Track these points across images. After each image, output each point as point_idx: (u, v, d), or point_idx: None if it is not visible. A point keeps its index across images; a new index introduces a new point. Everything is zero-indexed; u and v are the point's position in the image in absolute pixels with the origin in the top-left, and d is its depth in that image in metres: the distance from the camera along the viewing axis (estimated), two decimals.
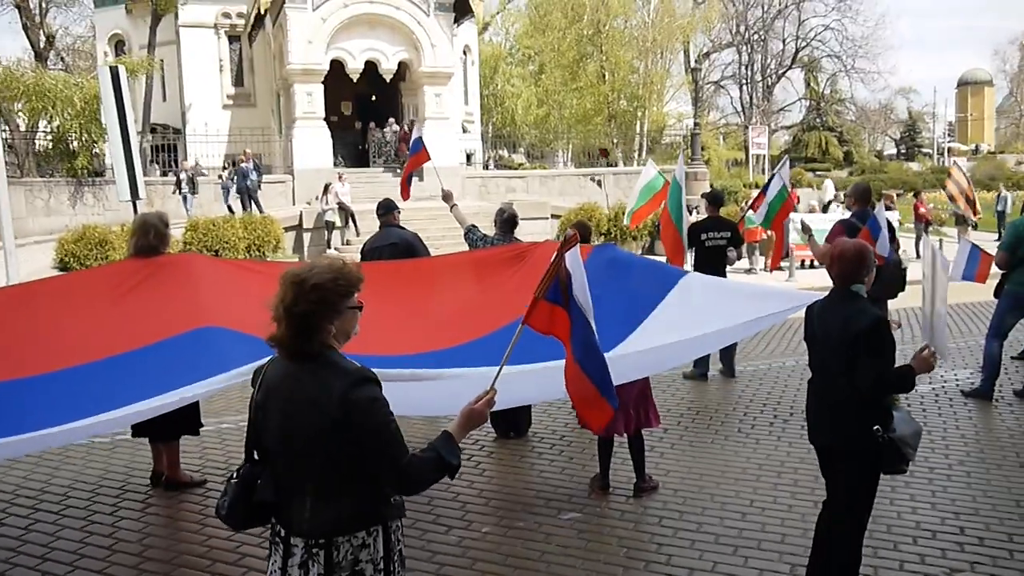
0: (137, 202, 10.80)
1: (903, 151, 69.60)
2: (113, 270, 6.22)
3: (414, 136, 8.42)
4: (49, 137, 23.18)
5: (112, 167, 22.18)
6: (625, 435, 5.26)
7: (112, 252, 16.30)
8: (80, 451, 6.37)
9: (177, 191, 21.05)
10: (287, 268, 2.64)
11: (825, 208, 23.71)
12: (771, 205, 8.35)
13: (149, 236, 5.08)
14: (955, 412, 7.13)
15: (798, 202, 22.79)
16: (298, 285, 2.45)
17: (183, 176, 21.23)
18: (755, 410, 7.29)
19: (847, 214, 8.32)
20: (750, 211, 9.35)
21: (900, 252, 8.11)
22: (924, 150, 66.90)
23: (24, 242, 15.76)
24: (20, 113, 23.33)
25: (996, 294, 7.67)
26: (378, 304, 3.49)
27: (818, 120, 60.01)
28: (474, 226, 6.93)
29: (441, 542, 4.68)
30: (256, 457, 2.59)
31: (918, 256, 18.50)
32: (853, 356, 3.65)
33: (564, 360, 2.96)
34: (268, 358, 2.63)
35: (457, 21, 26.47)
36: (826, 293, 3.95)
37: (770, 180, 8.93)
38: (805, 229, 7.58)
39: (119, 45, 33.32)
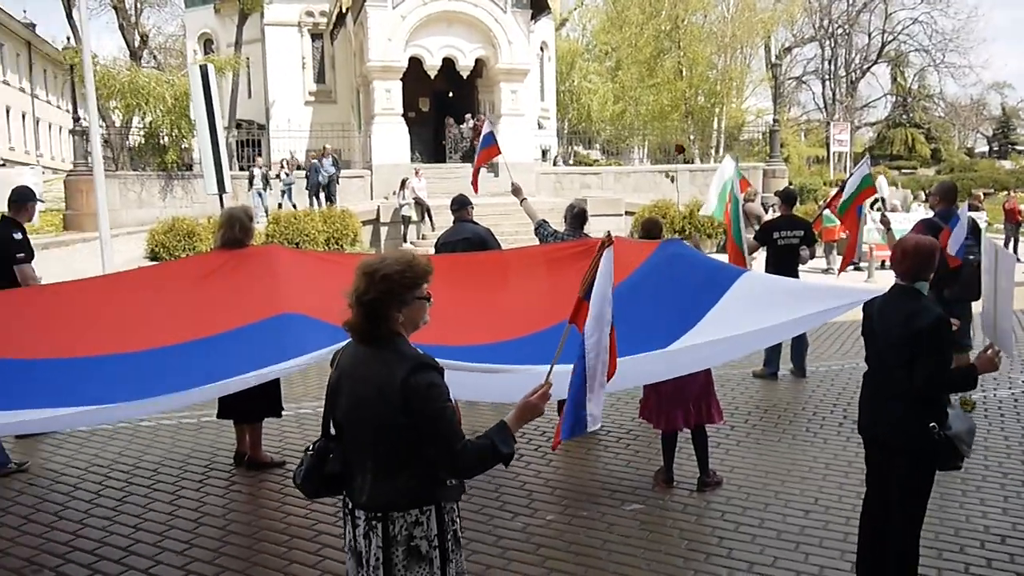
0: (224, 196, 11.32)
1: (995, 149, 66.89)
2: (200, 260, 6.56)
3: (485, 130, 8.56)
4: (142, 132, 24.22)
5: (200, 162, 23.06)
6: (688, 430, 5.33)
7: (199, 243, 16.99)
8: (169, 430, 6.76)
9: (250, 188, 21.25)
10: (363, 259, 2.81)
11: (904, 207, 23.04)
12: (844, 201, 8.23)
13: (235, 229, 5.36)
14: None
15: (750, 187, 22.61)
16: (369, 275, 2.62)
17: (257, 173, 21.56)
18: (824, 410, 7.24)
19: (930, 213, 8.16)
20: (827, 210, 9.24)
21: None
22: (1018, 148, 64.14)
23: (117, 233, 16.55)
24: (116, 110, 24.43)
25: None
26: (446, 295, 3.66)
27: (904, 116, 58.18)
28: (545, 221, 7.05)
29: (506, 527, 4.84)
30: (331, 432, 2.78)
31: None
32: (914, 353, 3.65)
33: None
34: (346, 341, 2.81)
35: (534, 18, 26.63)
36: (886, 290, 3.96)
37: (849, 177, 8.82)
38: (884, 223, 7.48)
39: (208, 43, 34.54)
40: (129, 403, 3.77)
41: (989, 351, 3.74)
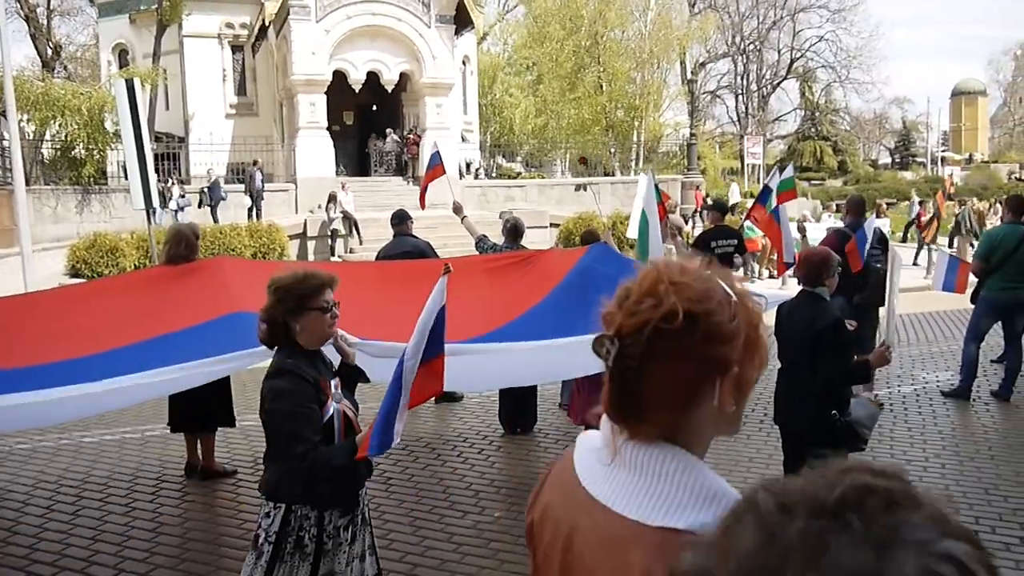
0: (151, 211, 11.26)
1: (897, 160, 70.29)
2: (146, 274, 6.61)
3: (432, 151, 8.88)
4: (57, 146, 23.60)
5: (120, 175, 22.50)
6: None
7: (123, 259, 16.71)
8: (113, 446, 6.81)
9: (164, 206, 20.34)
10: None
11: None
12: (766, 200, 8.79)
13: (181, 246, 5.51)
14: (934, 411, 7.59)
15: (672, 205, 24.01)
16: (268, 289, 2.88)
17: (174, 190, 20.90)
18: (747, 408, 7.71)
19: (839, 223, 8.78)
20: (747, 221, 9.82)
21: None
22: (918, 159, 67.53)
23: (33, 249, 16.16)
24: (29, 122, 23.74)
25: (973, 300, 8.13)
26: (389, 299, 3.94)
27: (813, 130, 60.64)
28: (484, 236, 7.37)
29: (458, 525, 5.11)
30: None
31: (915, 264, 19.05)
32: (816, 351, 4.12)
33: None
34: None
35: (458, 32, 26.97)
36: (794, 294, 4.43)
37: (764, 189, 9.43)
38: (800, 230, 8.05)
39: (123, 54, 33.76)
40: (90, 384, 3.82)
41: (883, 348, 4.22)
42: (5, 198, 17.09)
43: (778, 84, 60.10)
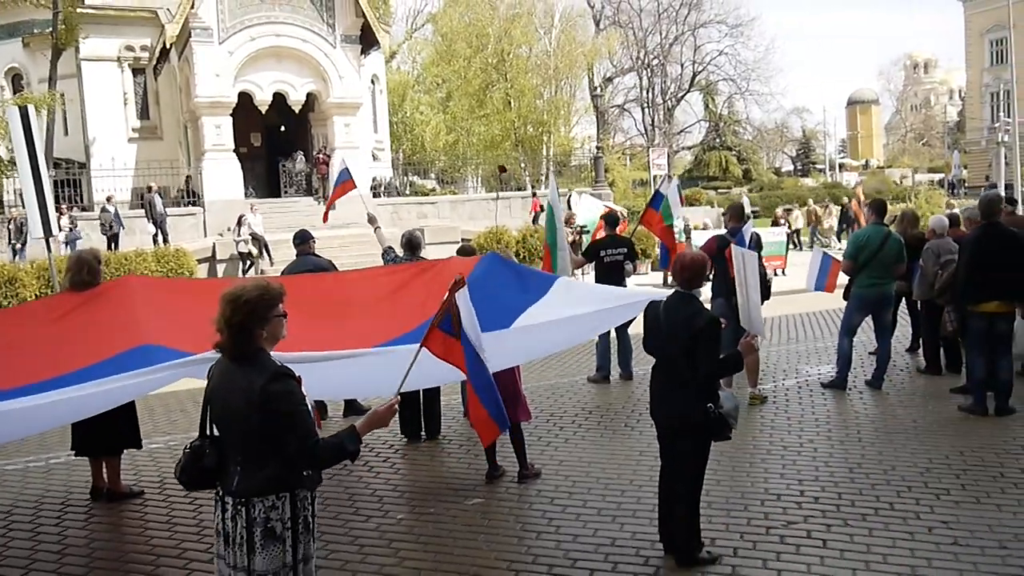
0: (50, 239, 11.12)
1: (799, 168, 73.10)
2: (50, 302, 6.62)
3: (339, 167, 9.12)
4: None
5: (17, 203, 21.79)
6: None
7: (23, 290, 16.27)
8: (16, 475, 6.80)
9: (9, 243, 19.71)
10: (222, 287, 3.32)
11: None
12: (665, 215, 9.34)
13: (83, 272, 5.60)
14: (813, 400, 8.16)
15: (541, 210, 25.37)
16: (233, 302, 3.13)
17: (11, 227, 19.99)
18: (641, 406, 8.11)
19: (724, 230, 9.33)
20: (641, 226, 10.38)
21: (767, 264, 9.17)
22: (818, 166, 70.39)
23: None
24: None
25: (845, 297, 8.78)
26: (302, 314, 4.18)
27: (717, 140, 62.73)
28: (391, 247, 7.69)
29: (362, 528, 5.34)
30: (207, 434, 3.27)
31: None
32: (693, 347, 4.51)
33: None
34: (216, 356, 3.28)
35: (364, 52, 27.11)
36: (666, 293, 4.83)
37: (656, 195, 10.00)
38: (687, 232, 8.57)
39: (16, 78, 32.73)
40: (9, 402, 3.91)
41: (748, 337, 4.65)
42: None
43: (682, 97, 61.95)
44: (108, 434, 5.66)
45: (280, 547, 3.14)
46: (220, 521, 3.20)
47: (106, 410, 4.77)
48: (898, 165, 70.78)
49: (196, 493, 5.87)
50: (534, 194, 28.15)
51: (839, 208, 28.76)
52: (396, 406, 3.38)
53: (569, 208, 19.63)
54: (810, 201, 31.13)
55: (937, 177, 55.72)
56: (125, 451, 6.09)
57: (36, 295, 15.94)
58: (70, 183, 25.56)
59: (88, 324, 5.00)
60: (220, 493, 3.22)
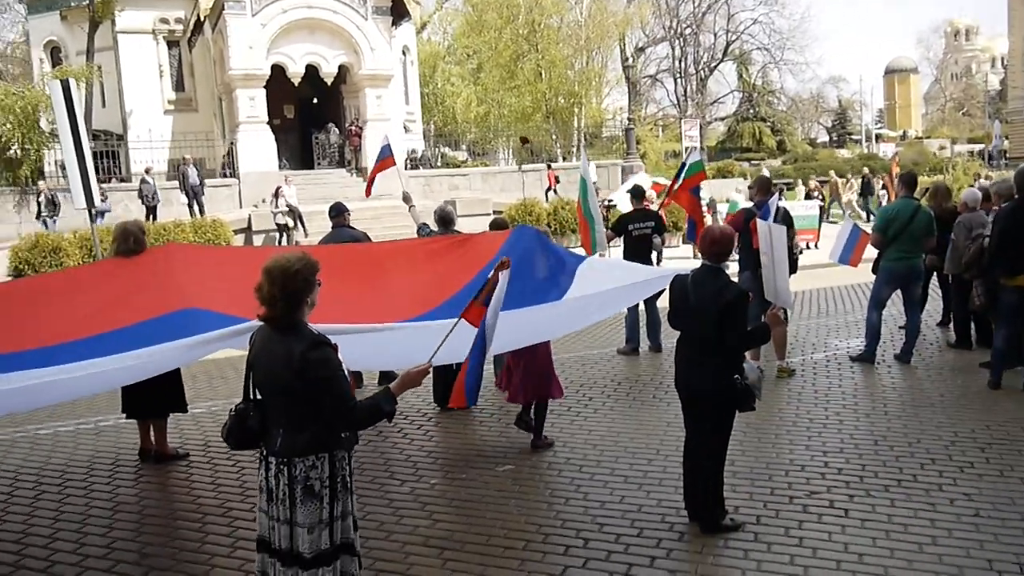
0: (93, 209, 11.43)
1: (835, 139, 72.06)
2: (97, 266, 6.88)
3: (382, 143, 9.30)
4: None
5: (58, 174, 22.19)
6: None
7: (67, 259, 16.70)
8: (68, 437, 7.11)
9: (38, 216, 20.20)
10: (261, 255, 3.49)
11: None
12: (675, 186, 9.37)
13: (129, 242, 5.80)
14: (841, 374, 8.23)
15: (557, 182, 26.32)
16: (284, 273, 3.29)
17: (42, 199, 20.36)
18: (670, 378, 8.22)
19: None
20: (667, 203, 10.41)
21: (796, 239, 9.21)
22: (854, 137, 69.30)
23: None
24: None
25: (874, 270, 8.80)
26: (340, 284, 4.36)
27: (751, 111, 61.91)
28: (425, 223, 7.87)
29: (397, 492, 5.56)
30: (250, 397, 3.47)
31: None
32: (722, 320, 4.61)
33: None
34: (259, 325, 3.47)
35: (395, 23, 27.15)
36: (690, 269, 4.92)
37: (681, 168, 10.03)
38: (711, 205, 8.63)
39: (55, 51, 33.24)
40: (61, 367, 4.15)
41: (774, 310, 4.76)
42: None
43: (715, 67, 61.22)
44: (155, 398, 5.93)
45: (318, 504, 3.34)
46: (264, 479, 3.41)
47: (156, 375, 4.99)
48: (937, 135, 69.41)
49: (238, 455, 6.17)
50: (549, 166, 28.12)
51: (860, 180, 28.34)
52: (429, 370, 3.55)
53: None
54: (832, 173, 30.70)
55: (977, 148, 54.63)
56: (171, 415, 6.36)
57: (78, 264, 16.37)
58: (108, 155, 25.99)
59: (134, 286, 5.23)
60: (264, 453, 3.42)
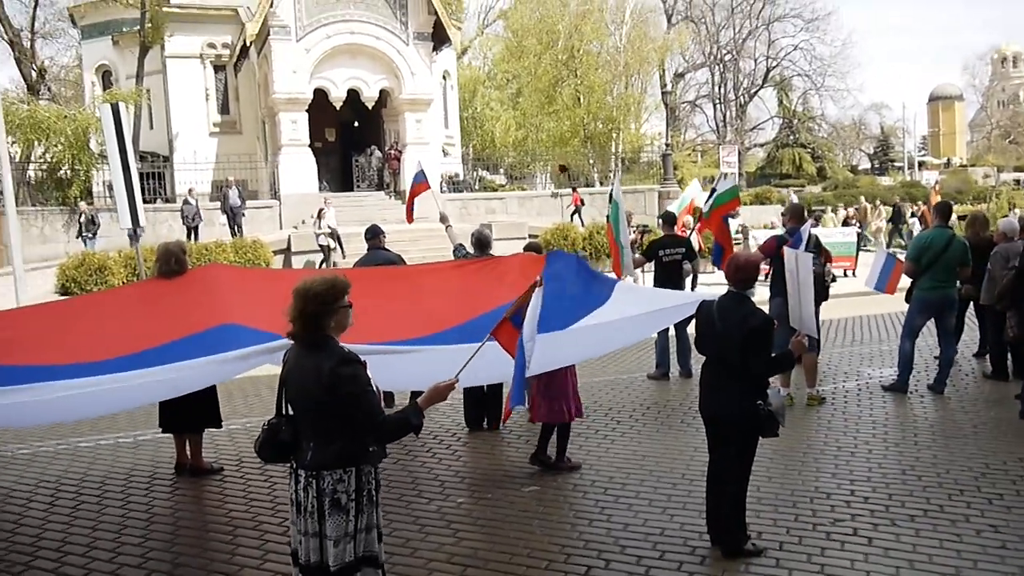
0: (137, 230, 11.76)
1: (876, 166, 71.24)
2: (140, 286, 7.14)
3: (416, 169, 9.53)
4: (44, 167, 24.03)
5: (106, 195, 22.73)
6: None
7: (111, 277, 17.16)
8: (108, 450, 7.33)
9: (79, 235, 20.85)
10: (296, 277, 3.65)
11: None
12: (708, 209, 9.39)
13: (171, 263, 6.03)
14: (872, 403, 8.18)
15: (581, 204, 26.28)
16: (304, 295, 3.47)
17: (82, 219, 21.03)
18: (677, 402, 8.29)
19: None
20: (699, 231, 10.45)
21: (829, 267, 9.18)
22: (897, 164, 68.47)
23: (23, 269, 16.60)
24: (14, 144, 24.17)
25: (907, 299, 8.75)
26: (372, 303, 4.50)
27: (791, 137, 61.50)
28: (461, 244, 8.02)
29: (424, 510, 5.66)
30: (282, 413, 3.61)
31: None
32: (746, 346, 4.66)
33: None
34: (291, 343, 3.61)
35: (436, 49, 27.58)
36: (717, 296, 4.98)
37: (711, 193, 10.07)
38: (743, 231, 8.66)
39: (106, 75, 34.22)
40: (103, 377, 4.33)
41: (798, 337, 4.80)
42: None
43: (755, 93, 61.08)
44: (192, 413, 6.11)
45: (344, 517, 3.46)
46: (293, 491, 3.54)
47: (194, 390, 5.17)
48: (982, 164, 68.29)
49: (271, 471, 6.32)
50: (574, 188, 28.18)
51: (891, 208, 27.98)
52: (455, 384, 3.67)
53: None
54: (862, 198, 30.33)
55: (1023, 176, 53.70)
56: (206, 430, 6.54)
57: (124, 283, 16.80)
58: (154, 176, 26.66)
59: (176, 305, 5.44)
60: (294, 466, 3.55)
